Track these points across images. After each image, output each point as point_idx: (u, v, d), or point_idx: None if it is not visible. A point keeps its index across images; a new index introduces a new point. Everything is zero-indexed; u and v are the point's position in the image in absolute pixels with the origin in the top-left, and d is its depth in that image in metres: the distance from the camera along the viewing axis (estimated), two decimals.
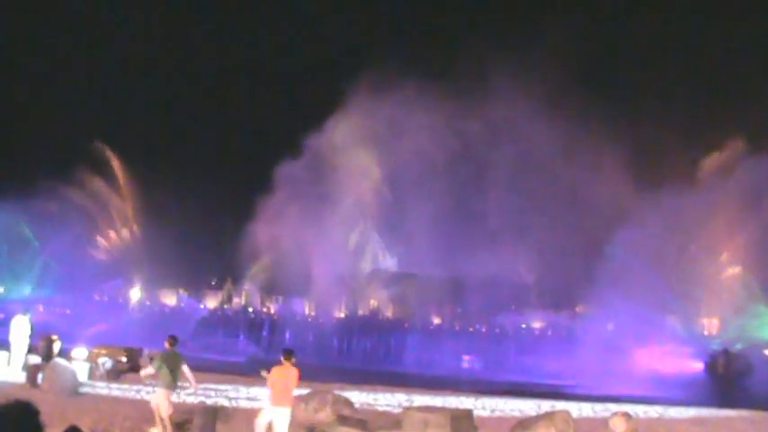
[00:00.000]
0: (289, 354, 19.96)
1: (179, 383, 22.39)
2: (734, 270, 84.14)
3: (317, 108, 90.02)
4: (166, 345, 21.99)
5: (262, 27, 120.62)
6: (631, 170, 79.00)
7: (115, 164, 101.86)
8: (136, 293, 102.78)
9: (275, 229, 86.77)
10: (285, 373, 19.55)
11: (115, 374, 34.65)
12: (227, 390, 33.31)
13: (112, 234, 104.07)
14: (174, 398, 22.87)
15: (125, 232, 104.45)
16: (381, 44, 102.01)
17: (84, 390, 30.02)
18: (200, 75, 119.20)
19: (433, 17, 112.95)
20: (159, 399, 21.31)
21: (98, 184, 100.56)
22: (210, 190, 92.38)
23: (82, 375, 31.81)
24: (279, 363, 19.83)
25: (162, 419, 21.03)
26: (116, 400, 28.16)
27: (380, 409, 28.57)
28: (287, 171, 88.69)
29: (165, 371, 21.35)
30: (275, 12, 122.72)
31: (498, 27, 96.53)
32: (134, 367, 36.10)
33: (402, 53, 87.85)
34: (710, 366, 66.34)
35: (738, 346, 76.68)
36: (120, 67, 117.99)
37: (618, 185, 79.22)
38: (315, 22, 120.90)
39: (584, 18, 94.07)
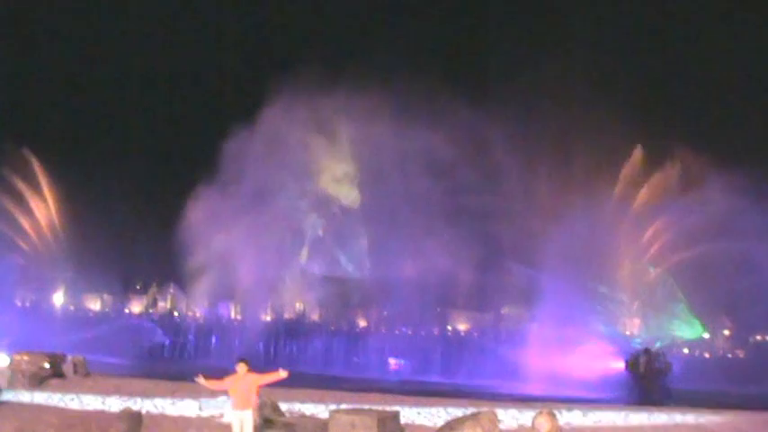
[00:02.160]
0: (243, 361, 20.89)
1: None
2: (654, 272, 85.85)
3: (244, 110, 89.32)
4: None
5: (187, 29, 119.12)
6: (559, 178, 79.94)
7: (36, 166, 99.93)
8: (59, 298, 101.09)
9: (201, 233, 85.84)
10: (242, 379, 20.52)
11: (37, 381, 34.08)
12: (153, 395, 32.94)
13: (35, 238, 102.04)
14: (99, 404, 22.63)
15: (48, 236, 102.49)
16: (313, 48, 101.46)
17: (5, 397, 29.49)
18: (125, 77, 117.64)
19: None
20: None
21: (19, 186, 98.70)
22: (135, 193, 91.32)
23: (2, 382, 31.25)
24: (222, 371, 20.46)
25: None
26: (39, 407, 27.72)
27: (307, 412, 28.53)
28: (213, 174, 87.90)
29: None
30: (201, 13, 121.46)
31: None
32: (57, 373, 35.55)
33: (334, 58, 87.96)
34: (631, 365, 67.41)
35: (658, 344, 78.33)
36: (42, 69, 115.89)
37: (545, 193, 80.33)
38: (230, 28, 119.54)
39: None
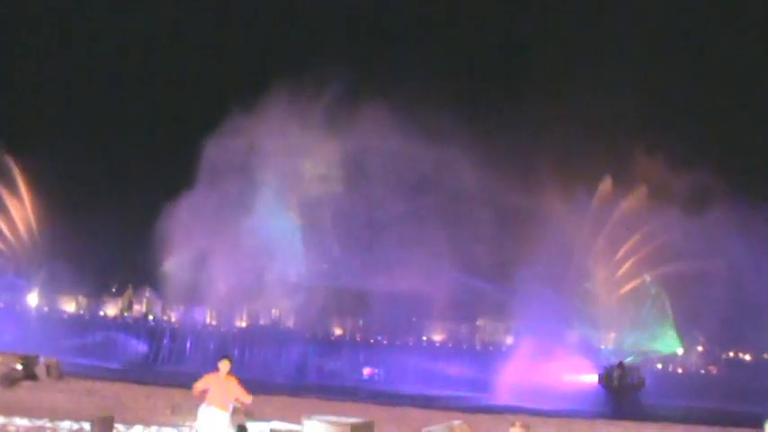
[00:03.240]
0: (226, 358, 20.10)
1: None
2: (630, 286, 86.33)
3: (223, 116, 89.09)
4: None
5: (165, 27, 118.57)
6: (534, 197, 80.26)
7: (12, 165, 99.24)
8: (33, 299, 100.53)
9: (178, 237, 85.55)
10: (223, 380, 19.64)
11: (9, 382, 33.85)
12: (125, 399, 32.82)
13: (10, 238, 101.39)
14: (71, 406, 22.50)
15: (23, 236, 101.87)
16: (291, 56, 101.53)
17: None
18: (102, 77, 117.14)
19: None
20: None
21: None
22: (112, 194, 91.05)
23: None
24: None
25: None
26: (9, 408, 27.54)
27: (281, 419, 28.48)
28: (191, 179, 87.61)
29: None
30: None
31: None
32: (30, 375, 35.34)
33: (313, 66, 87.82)
34: (604, 379, 67.76)
35: (630, 359, 78.76)
36: (17, 69, 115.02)
37: (522, 210, 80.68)
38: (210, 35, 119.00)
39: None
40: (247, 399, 20.00)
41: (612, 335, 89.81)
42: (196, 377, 20.03)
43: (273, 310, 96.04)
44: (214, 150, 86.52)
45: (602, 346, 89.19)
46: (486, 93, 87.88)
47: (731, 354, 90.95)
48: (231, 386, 19.68)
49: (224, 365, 19.75)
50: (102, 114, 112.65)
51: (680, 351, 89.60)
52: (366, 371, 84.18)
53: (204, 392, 19.75)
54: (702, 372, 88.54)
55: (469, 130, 78.34)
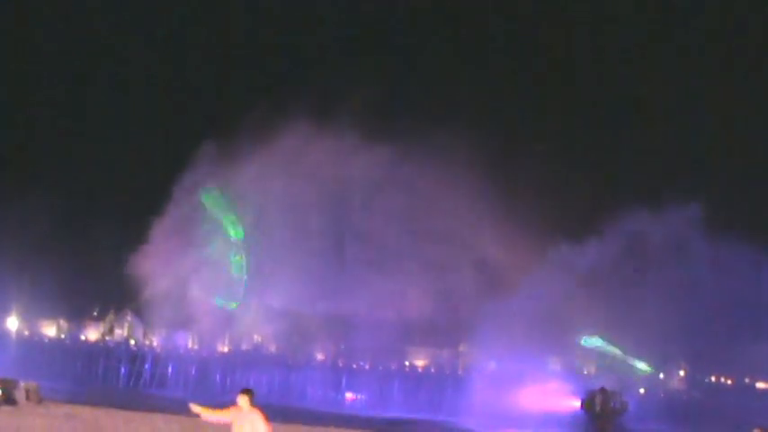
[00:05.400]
0: (246, 392, 18.75)
1: None
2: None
3: (200, 142, 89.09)
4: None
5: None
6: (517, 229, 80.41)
7: None
8: (13, 323, 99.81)
9: (159, 260, 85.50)
10: (247, 414, 18.40)
11: None
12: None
13: None
14: (50, 429, 22.37)
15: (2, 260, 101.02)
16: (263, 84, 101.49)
17: None
18: (83, 100, 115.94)
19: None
20: None
21: None
22: (92, 214, 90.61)
23: None
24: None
25: None
26: None
27: None
28: (171, 201, 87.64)
29: None
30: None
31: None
32: (9, 399, 35.16)
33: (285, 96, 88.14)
34: (587, 404, 67.70)
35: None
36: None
37: (505, 238, 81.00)
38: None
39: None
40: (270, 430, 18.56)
41: (593, 359, 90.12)
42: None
43: (255, 336, 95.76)
44: (192, 177, 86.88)
45: (585, 371, 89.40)
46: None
47: (713, 378, 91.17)
48: (258, 420, 18.39)
49: (242, 401, 18.47)
50: (86, 138, 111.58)
51: (661, 375, 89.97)
52: (349, 396, 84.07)
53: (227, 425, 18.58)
54: (685, 397, 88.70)
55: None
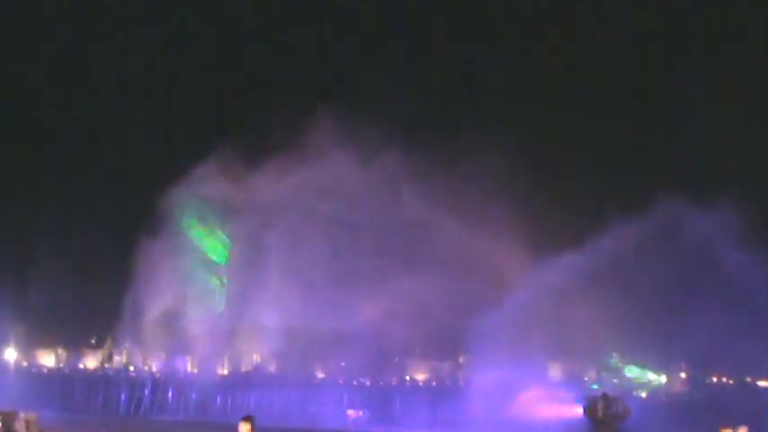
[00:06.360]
0: (248, 419, 18.58)
1: None
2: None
3: (185, 158, 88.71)
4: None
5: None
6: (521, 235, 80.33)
7: None
8: (11, 354, 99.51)
9: (155, 287, 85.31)
10: None
11: None
12: None
13: None
14: None
15: None
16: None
17: None
18: (81, 120, 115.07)
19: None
20: None
21: None
22: (89, 246, 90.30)
23: None
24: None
25: None
26: None
27: None
28: (161, 223, 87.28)
29: None
30: None
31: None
32: (9, 431, 35.07)
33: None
34: (589, 410, 67.45)
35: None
36: None
37: (505, 247, 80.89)
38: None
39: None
40: None
41: (595, 365, 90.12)
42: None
43: (254, 356, 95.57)
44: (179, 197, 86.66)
45: (586, 378, 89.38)
46: None
47: (714, 379, 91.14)
48: None
49: (244, 428, 18.32)
50: (83, 157, 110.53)
51: (663, 379, 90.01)
52: (350, 413, 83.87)
53: None
54: (687, 399, 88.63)
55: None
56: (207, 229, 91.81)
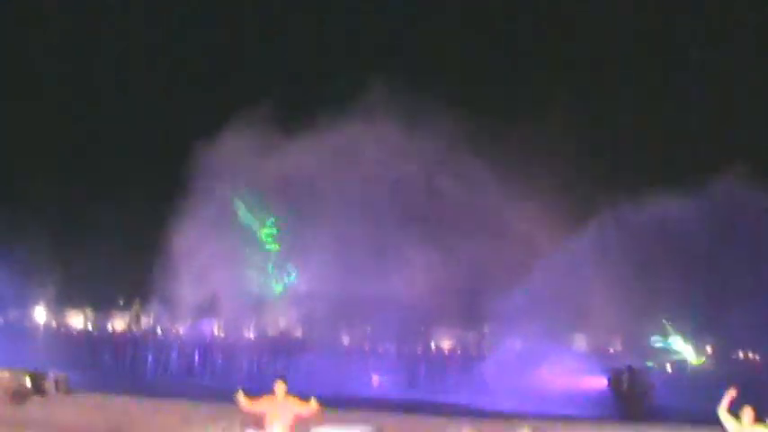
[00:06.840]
0: (281, 379, 19.27)
1: None
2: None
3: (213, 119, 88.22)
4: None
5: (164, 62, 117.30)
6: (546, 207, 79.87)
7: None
8: (41, 314, 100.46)
9: (184, 249, 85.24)
10: (282, 403, 18.88)
11: (20, 398, 33.95)
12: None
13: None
14: (81, 422, 22.49)
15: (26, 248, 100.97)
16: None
17: None
18: (109, 89, 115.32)
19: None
20: None
21: None
22: (118, 207, 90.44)
23: None
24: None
25: None
26: (18, 425, 27.60)
27: None
28: (192, 188, 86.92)
29: None
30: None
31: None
32: (39, 390, 35.43)
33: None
34: (613, 383, 67.39)
35: (650, 364, 78.96)
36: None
37: (541, 219, 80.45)
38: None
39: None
40: (311, 409, 19.23)
41: (620, 337, 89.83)
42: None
43: (281, 321, 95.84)
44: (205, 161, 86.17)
45: (611, 350, 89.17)
46: None
47: (740, 354, 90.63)
48: (292, 407, 18.94)
49: (279, 387, 19.01)
50: (113, 125, 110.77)
51: (691, 357, 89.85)
52: (375, 379, 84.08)
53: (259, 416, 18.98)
54: (714, 373, 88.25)
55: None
56: (241, 194, 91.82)
